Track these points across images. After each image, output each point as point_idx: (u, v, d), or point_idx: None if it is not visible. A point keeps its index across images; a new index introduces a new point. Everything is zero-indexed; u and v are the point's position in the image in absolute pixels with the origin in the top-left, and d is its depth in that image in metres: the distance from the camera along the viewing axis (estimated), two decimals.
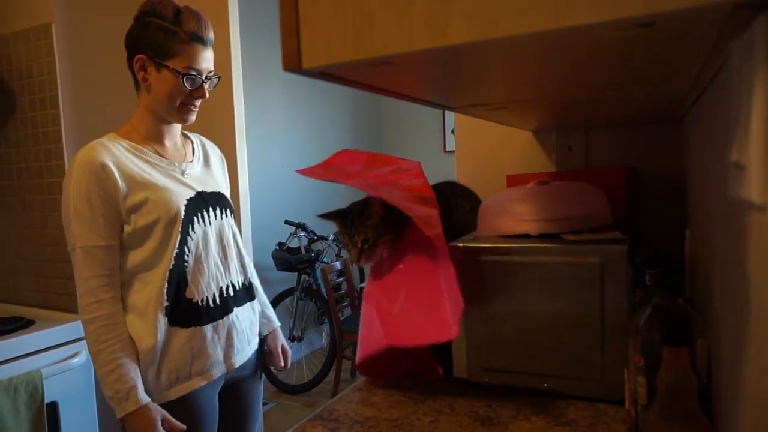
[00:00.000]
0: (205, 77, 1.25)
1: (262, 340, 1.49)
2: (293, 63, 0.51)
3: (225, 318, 1.28)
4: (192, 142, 1.40)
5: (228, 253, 1.32)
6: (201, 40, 1.21)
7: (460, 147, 1.55)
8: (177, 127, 1.34)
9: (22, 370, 1.66)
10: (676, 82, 0.64)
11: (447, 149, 4.77)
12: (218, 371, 1.27)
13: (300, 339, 3.83)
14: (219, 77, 1.31)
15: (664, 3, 0.35)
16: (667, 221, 1.28)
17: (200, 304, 1.23)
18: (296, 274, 3.66)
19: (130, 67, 1.24)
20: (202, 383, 1.23)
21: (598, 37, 0.42)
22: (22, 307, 2.08)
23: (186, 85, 1.21)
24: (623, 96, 0.74)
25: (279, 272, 3.65)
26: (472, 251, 0.99)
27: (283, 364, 1.51)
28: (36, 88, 1.96)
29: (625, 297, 0.88)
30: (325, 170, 1.06)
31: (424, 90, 0.66)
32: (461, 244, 1.00)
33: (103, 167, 1.14)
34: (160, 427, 1.14)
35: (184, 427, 1.18)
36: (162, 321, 1.18)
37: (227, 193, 1.39)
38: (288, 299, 3.67)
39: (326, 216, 1.12)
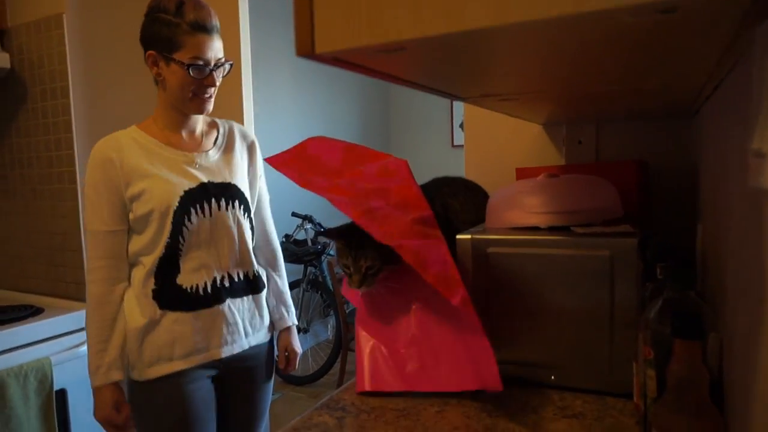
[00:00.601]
0: (215, 65, 1.26)
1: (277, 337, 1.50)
2: (306, 48, 0.51)
3: (215, 308, 1.29)
4: (219, 131, 1.41)
5: (228, 244, 1.32)
6: (204, 29, 1.23)
7: (470, 140, 1.54)
8: (197, 118, 1.36)
9: (32, 357, 1.68)
10: (694, 72, 0.63)
11: (455, 144, 4.75)
12: (201, 359, 1.28)
13: (306, 331, 3.85)
14: (231, 63, 1.32)
15: None
16: (678, 216, 1.27)
17: (189, 291, 1.27)
18: (302, 266, 3.68)
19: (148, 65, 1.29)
20: (183, 367, 1.26)
21: (617, 24, 0.42)
22: (31, 295, 2.10)
23: (193, 75, 1.23)
24: (638, 87, 0.73)
25: (285, 264, 3.66)
26: (480, 243, 0.98)
27: (283, 366, 1.51)
28: (47, 78, 1.97)
29: (635, 290, 0.88)
30: (298, 161, 1.03)
31: (437, 78, 0.66)
32: (469, 236, 0.99)
33: (110, 160, 1.24)
34: (113, 410, 1.25)
35: (123, 419, 1.26)
36: (151, 303, 1.25)
37: (244, 183, 1.38)
38: (294, 291, 3.68)
39: (328, 234, 1.08)
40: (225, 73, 1.32)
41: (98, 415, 1.25)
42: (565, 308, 0.93)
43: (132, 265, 1.29)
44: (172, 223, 1.24)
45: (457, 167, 1.47)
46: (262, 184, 1.48)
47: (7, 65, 2.00)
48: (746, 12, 0.36)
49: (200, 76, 1.24)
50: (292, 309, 1.53)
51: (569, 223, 0.98)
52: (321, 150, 1.05)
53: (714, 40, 0.47)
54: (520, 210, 1.03)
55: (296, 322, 1.54)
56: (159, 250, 1.25)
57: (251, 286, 1.39)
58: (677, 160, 1.29)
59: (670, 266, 0.73)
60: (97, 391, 1.24)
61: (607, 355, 0.91)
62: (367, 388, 0.98)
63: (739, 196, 0.58)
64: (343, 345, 3.35)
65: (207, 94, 1.29)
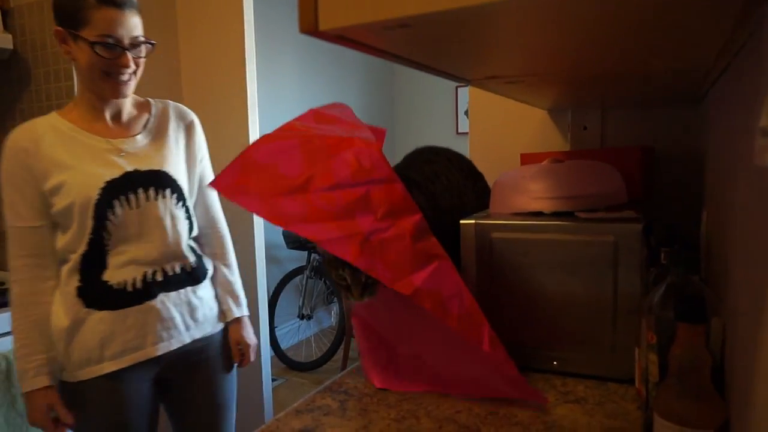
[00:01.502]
0: (129, 44, 1.15)
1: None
2: (310, 25, 0.50)
3: (145, 304, 1.20)
4: (150, 112, 1.30)
5: (160, 237, 1.22)
6: (113, 3, 1.11)
7: (474, 126, 1.53)
8: (122, 100, 1.24)
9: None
10: (701, 53, 0.62)
11: (459, 131, 4.73)
12: (134, 358, 1.19)
13: (309, 317, 3.86)
14: (153, 43, 1.20)
15: None
16: (683, 202, 1.27)
17: (116, 287, 1.17)
18: (306, 252, 3.68)
19: None
20: (114, 368, 1.18)
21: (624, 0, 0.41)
22: None
23: (101, 54, 1.12)
24: (644, 70, 0.72)
25: (289, 251, 3.66)
26: (483, 228, 0.98)
27: (238, 361, 1.40)
28: (50, 60, 1.96)
29: (639, 276, 0.88)
30: (252, 179, 0.86)
31: (442, 57, 0.65)
32: (473, 221, 0.99)
33: (25, 151, 1.15)
34: (45, 415, 1.15)
35: (71, 419, 1.17)
36: (76, 301, 1.17)
37: (178, 170, 1.27)
38: (298, 278, 3.69)
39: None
40: (144, 53, 1.20)
41: (30, 420, 1.17)
42: (568, 294, 0.92)
43: (59, 262, 1.19)
44: (94, 217, 1.15)
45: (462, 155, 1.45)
46: (206, 166, 1.37)
47: (10, 46, 1.99)
48: None
49: (110, 56, 1.13)
50: (243, 300, 1.42)
51: (573, 209, 0.98)
52: (273, 155, 0.88)
53: (723, 18, 0.46)
54: (524, 195, 1.03)
55: (247, 313, 1.42)
56: (82, 247, 1.16)
57: (190, 277, 1.28)
58: (682, 146, 1.28)
59: (674, 251, 0.72)
60: (27, 396, 1.16)
61: (609, 340, 0.91)
62: (379, 385, 0.95)
63: (744, 180, 0.57)
64: (346, 332, 3.36)
65: (122, 75, 1.17)
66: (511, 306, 0.97)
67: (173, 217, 1.24)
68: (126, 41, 1.14)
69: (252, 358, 1.42)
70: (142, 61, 1.20)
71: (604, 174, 1.04)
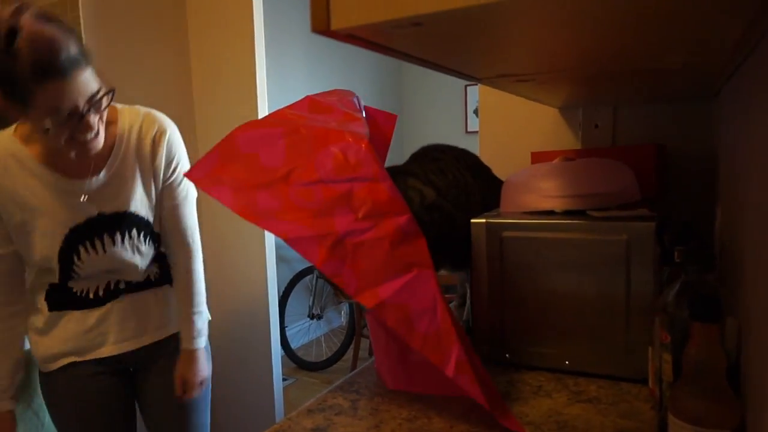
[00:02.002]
0: (85, 108, 0.99)
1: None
2: (322, 25, 0.51)
3: (107, 305, 1.21)
4: (116, 135, 1.16)
5: (127, 267, 1.21)
6: (51, 75, 0.92)
7: (484, 125, 1.53)
8: None
9: None
10: (716, 48, 0.61)
11: (469, 130, 4.72)
12: (94, 355, 1.22)
13: (319, 317, 3.87)
14: (110, 92, 1.04)
15: None
16: (697, 200, 1.25)
17: (78, 294, 1.19)
18: None
19: None
20: (74, 360, 1.21)
21: None
22: None
23: (59, 132, 1.00)
24: (659, 65, 0.72)
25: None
26: (494, 227, 0.98)
27: (180, 393, 1.30)
28: None
29: (652, 275, 0.87)
30: (230, 169, 0.82)
31: (453, 56, 0.65)
32: (484, 220, 0.99)
33: None
34: None
35: None
36: (44, 304, 1.19)
37: (144, 202, 1.20)
38: (308, 277, 3.70)
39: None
40: (107, 104, 1.05)
41: None
42: (581, 293, 0.92)
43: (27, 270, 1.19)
44: (59, 263, 1.14)
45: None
46: (178, 175, 1.25)
47: None
48: None
49: (70, 128, 1.00)
50: (199, 329, 1.30)
51: (585, 207, 0.97)
52: (256, 144, 0.83)
53: (740, 11, 0.45)
54: (536, 194, 1.02)
55: (198, 347, 1.30)
56: (50, 280, 1.17)
57: (154, 283, 1.28)
58: (696, 143, 1.27)
59: (688, 249, 0.72)
60: None
61: (622, 340, 0.90)
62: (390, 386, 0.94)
63: (758, 177, 0.57)
64: (356, 331, 3.37)
65: (88, 135, 1.04)
66: (523, 305, 0.97)
67: (141, 254, 1.23)
68: (81, 107, 0.99)
69: (194, 394, 1.30)
70: (103, 112, 1.07)
71: (617, 172, 1.03)
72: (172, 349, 1.32)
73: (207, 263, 1.44)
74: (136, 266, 1.23)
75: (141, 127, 1.20)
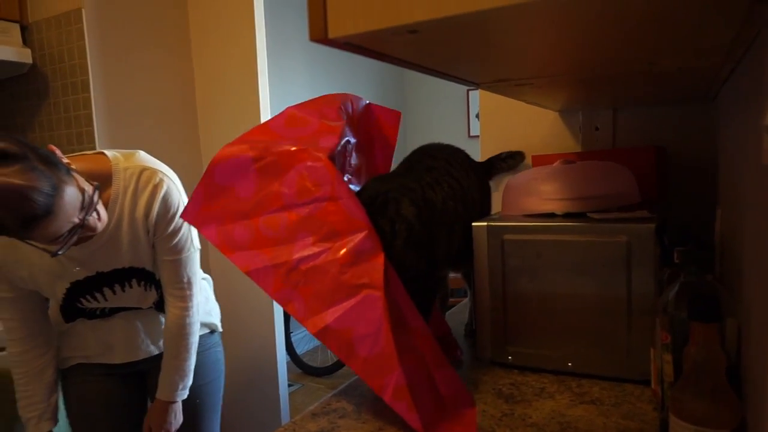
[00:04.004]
0: (80, 219, 1.00)
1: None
2: (320, 33, 0.52)
3: (113, 318, 1.28)
4: (110, 197, 1.13)
5: (129, 305, 1.28)
6: (37, 219, 0.92)
7: (485, 129, 1.53)
8: None
9: None
10: (709, 51, 0.62)
11: (471, 134, 4.73)
12: (97, 359, 1.30)
13: None
14: (95, 188, 1.03)
15: None
16: (697, 202, 1.26)
17: (88, 310, 1.26)
18: None
19: None
20: (80, 361, 1.30)
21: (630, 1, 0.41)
22: None
23: (67, 244, 1.01)
24: (654, 69, 0.72)
25: None
26: (495, 230, 0.98)
27: None
28: (68, 72, 2.00)
29: (653, 276, 0.87)
30: (214, 205, 0.85)
31: (451, 62, 0.66)
32: (485, 223, 0.99)
33: None
34: None
35: None
36: (57, 315, 1.27)
37: (144, 255, 1.20)
38: None
39: None
40: (96, 201, 1.04)
41: None
42: (582, 295, 0.92)
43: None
44: (62, 311, 1.24)
45: (473, 158, 1.45)
46: (173, 230, 1.20)
47: (29, 61, 2.04)
48: None
49: (73, 235, 1.01)
50: (183, 383, 1.27)
51: (585, 210, 0.98)
52: (231, 176, 0.86)
53: (726, 16, 0.46)
54: (536, 197, 1.03)
55: (174, 399, 1.26)
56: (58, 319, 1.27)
57: (160, 308, 1.31)
58: (695, 145, 1.27)
59: (687, 250, 0.72)
60: None
61: (624, 341, 0.90)
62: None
63: (752, 179, 0.57)
64: None
65: (88, 233, 1.06)
66: (525, 308, 0.97)
67: (143, 297, 1.27)
68: (77, 220, 1.00)
69: None
70: (101, 214, 1.07)
71: (616, 174, 1.04)
72: None
73: (212, 271, 1.45)
74: (139, 307, 1.29)
75: (136, 188, 1.16)
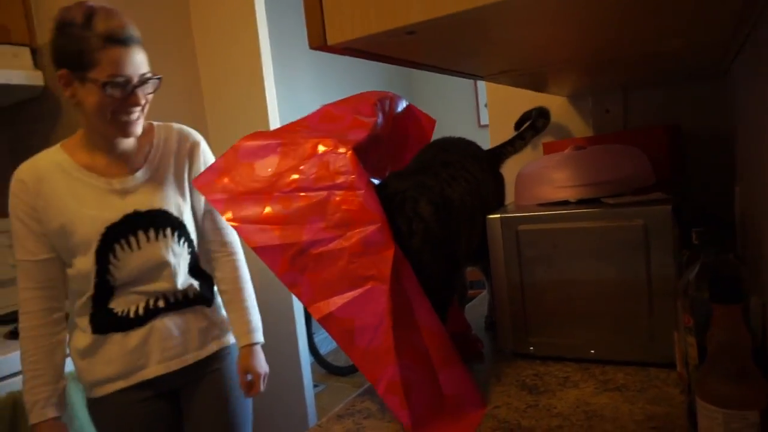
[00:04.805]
0: (138, 81, 1.14)
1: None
2: (318, 40, 0.52)
3: (147, 325, 1.24)
4: (152, 143, 1.29)
5: (163, 273, 1.24)
6: (119, 41, 1.10)
7: (494, 119, 1.53)
8: (127, 139, 1.24)
9: None
10: (716, 28, 0.61)
11: (481, 123, 4.70)
12: (141, 377, 1.24)
13: None
14: (159, 78, 1.19)
15: None
16: (715, 179, 1.23)
17: (121, 314, 1.22)
18: None
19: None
20: (124, 386, 1.23)
21: None
22: None
23: (111, 94, 1.11)
24: (661, 50, 0.71)
25: None
26: (509, 222, 0.98)
27: (246, 390, 1.37)
28: None
29: (672, 258, 0.86)
30: (229, 178, 0.88)
31: (451, 58, 0.66)
32: (498, 215, 0.99)
33: (27, 189, 1.17)
34: None
35: None
36: (88, 327, 1.22)
37: (179, 204, 1.27)
38: None
39: None
40: (153, 89, 1.19)
41: None
42: (601, 281, 0.91)
43: (73, 293, 1.23)
44: (96, 262, 1.18)
45: (485, 147, 1.44)
46: None
47: (41, 83, 2.07)
48: None
49: (120, 95, 1.12)
50: (255, 325, 1.39)
51: (599, 195, 0.97)
52: (254, 154, 0.89)
53: None
54: (549, 185, 1.02)
55: (259, 340, 1.39)
56: (90, 290, 1.20)
57: (194, 301, 1.31)
58: (710, 121, 1.25)
59: (705, 230, 0.71)
60: (35, 428, 1.18)
61: (647, 325, 0.89)
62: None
63: None
64: None
65: (132, 114, 1.16)
66: (543, 297, 0.97)
67: (175, 255, 1.26)
68: (135, 79, 1.14)
69: (262, 387, 1.38)
70: (150, 97, 1.20)
71: (629, 156, 1.03)
72: (214, 368, 1.35)
73: None
74: (169, 267, 1.25)
75: (178, 138, 1.32)
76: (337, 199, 0.82)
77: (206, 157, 1.35)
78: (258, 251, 0.82)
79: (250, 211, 0.84)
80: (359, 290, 0.80)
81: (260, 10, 2.13)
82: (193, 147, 1.32)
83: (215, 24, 2.24)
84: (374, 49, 0.55)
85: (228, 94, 2.26)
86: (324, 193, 0.83)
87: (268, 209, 0.84)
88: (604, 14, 0.49)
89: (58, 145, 1.24)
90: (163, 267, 1.24)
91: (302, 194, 0.84)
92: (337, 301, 0.80)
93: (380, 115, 1.00)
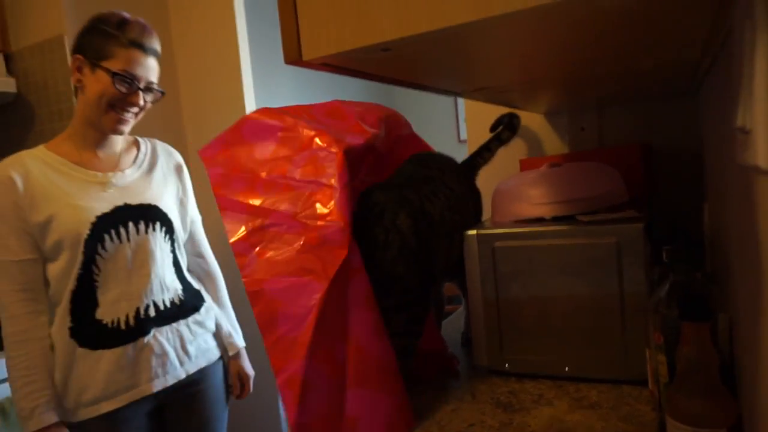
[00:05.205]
0: (144, 86, 1.21)
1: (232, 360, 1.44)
2: (294, 56, 0.52)
3: (139, 340, 1.19)
4: (140, 150, 1.34)
5: (151, 270, 1.22)
6: (141, 47, 1.19)
7: (472, 135, 1.54)
8: (115, 137, 1.27)
9: None
10: (685, 49, 0.62)
11: (461, 138, 4.74)
12: (130, 396, 1.19)
13: None
14: (162, 92, 1.26)
15: None
16: (686, 197, 1.26)
17: (110, 326, 1.17)
18: None
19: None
20: (111, 408, 1.17)
21: (598, 7, 0.42)
22: None
23: (118, 86, 1.16)
24: (634, 68, 0.73)
25: None
26: (486, 238, 0.98)
27: (238, 393, 1.43)
28: (53, 99, 2.00)
29: (644, 275, 0.87)
30: (230, 154, 0.92)
31: (427, 75, 0.66)
32: (475, 231, 0.99)
33: (12, 184, 1.13)
34: None
35: None
36: (70, 342, 1.15)
37: (169, 205, 1.30)
38: None
39: None
40: (154, 99, 1.26)
41: None
42: (576, 297, 0.92)
43: (50, 305, 1.17)
44: (84, 252, 1.14)
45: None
46: (193, 205, 1.41)
47: (14, 89, 2.03)
48: None
49: (125, 90, 1.18)
50: (239, 331, 1.46)
51: (574, 212, 0.98)
52: (257, 134, 0.93)
53: (697, 16, 0.46)
54: (525, 202, 1.03)
55: (243, 344, 1.45)
56: (71, 283, 1.14)
57: (181, 310, 1.28)
58: (682, 139, 1.28)
59: (675, 249, 0.72)
60: None
61: (620, 342, 0.90)
62: None
63: (733, 172, 0.57)
64: None
65: (127, 113, 1.21)
66: (519, 314, 0.97)
67: (162, 251, 1.25)
68: (143, 82, 1.20)
69: (251, 389, 1.45)
70: (148, 105, 1.24)
71: (603, 174, 1.04)
72: (201, 387, 1.33)
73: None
74: (156, 266, 1.23)
75: (165, 150, 1.39)
76: (315, 193, 0.85)
77: (188, 176, 1.42)
78: (224, 215, 0.86)
79: (237, 186, 0.89)
80: (297, 279, 0.81)
81: (240, 23, 2.13)
82: (180, 166, 1.40)
83: (195, 37, 2.23)
84: (350, 65, 0.55)
85: (208, 108, 2.25)
86: (305, 185, 0.86)
87: (253, 188, 0.88)
88: (576, 34, 0.49)
89: (41, 146, 1.23)
90: (150, 262, 1.22)
91: (286, 183, 0.87)
92: (275, 282, 0.81)
93: (383, 131, 1.01)
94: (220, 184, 0.91)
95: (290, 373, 0.77)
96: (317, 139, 0.88)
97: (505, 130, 1.24)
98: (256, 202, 0.88)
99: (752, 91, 0.33)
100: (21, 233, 1.13)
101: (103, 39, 1.16)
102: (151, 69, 1.21)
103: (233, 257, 0.86)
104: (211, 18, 2.16)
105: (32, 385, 1.12)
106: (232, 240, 0.85)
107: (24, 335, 1.13)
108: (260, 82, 3.49)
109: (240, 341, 1.44)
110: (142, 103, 1.21)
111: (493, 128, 1.28)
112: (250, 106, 2.18)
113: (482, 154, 1.21)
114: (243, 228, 0.86)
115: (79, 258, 1.14)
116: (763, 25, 0.32)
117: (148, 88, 1.22)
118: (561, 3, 0.39)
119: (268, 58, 3.72)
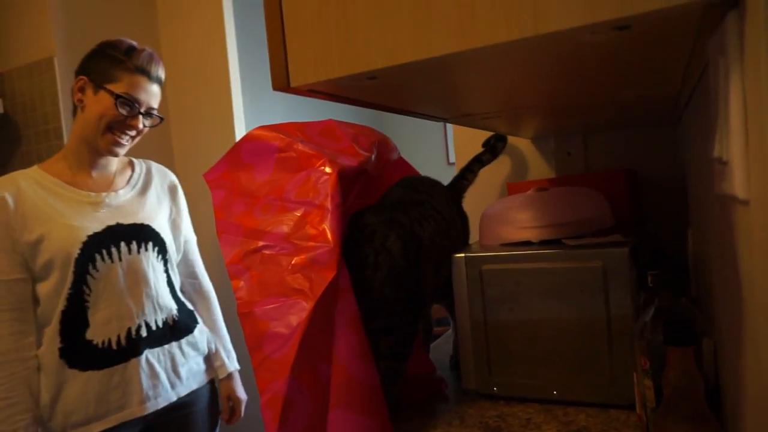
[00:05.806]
0: (145, 111, 1.23)
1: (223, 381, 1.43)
2: (282, 83, 0.53)
3: (131, 361, 1.18)
4: (134, 170, 1.35)
5: (143, 290, 1.21)
6: (147, 73, 1.22)
7: (460, 158, 1.55)
8: (111, 159, 1.28)
9: None
10: (665, 82, 0.64)
11: (450, 161, 4.78)
12: (120, 418, 1.17)
13: None
14: (162, 118, 1.29)
15: (637, 5, 0.36)
16: (670, 222, 1.28)
17: (100, 346, 1.16)
18: None
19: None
20: (100, 429, 1.16)
21: (579, 42, 0.43)
22: None
23: (119, 109, 1.18)
24: (615, 99, 0.74)
25: None
26: (473, 261, 0.98)
27: (227, 418, 1.42)
28: (40, 120, 1.99)
29: (630, 299, 0.88)
30: (232, 176, 0.94)
31: (413, 102, 0.67)
32: (463, 254, 0.99)
33: (2, 199, 1.12)
34: None
35: None
36: (59, 363, 1.14)
37: (162, 225, 1.30)
38: None
39: None
40: (152, 124, 1.28)
41: None
42: (563, 321, 0.92)
43: (38, 326, 1.15)
44: (74, 272, 1.13)
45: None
46: (187, 225, 1.43)
47: (0, 110, 2.03)
48: (698, 26, 0.37)
49: (126, 113, 1.19)
50: (232, 353, 1.45)
51: (560, 236, 0.99)
52: (255, 155, 0.95)
53: (675, 52, 0.48)
54: (512, 225, 1.04)
55: (237, 367, 1.45)
56: (61, 303, 1.13)
57: (174, 332, 1.28)
58: (666, 166, 1.30)
59: (660, 274, 0.73)
60: None
61: (607, 366, 0.90)
62: None
63: (712, 201, 0.59)
64: None
65: (125, 135, 1.22)
66: (507, 337, 0.97)
67: (155, 271, 1.25)
68: (144, 107, 1.22)
69: (241, 414, 1.43)
70: (146, 130, 1.26)
71: (589, 199, 1.06)
72: (191, 409, 1.31)
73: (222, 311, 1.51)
74: (149, 286, 1.22)
75: (159, 171, 1.40)
76: (308, 214, 0.87)
77: (183, 198, 1.43)
78: (221, 238, 0.88)
79: (237, 209, 0.92)
80: (286, 299, 0.81)
81: (231, 45, 2.15)
82: (174, 187, 1.41)
83: (185, 59, 2.25)
84: (337, 92, 0.56)
85: (197, 130, 2.25)
86: (299, 207, 0.88)
87: (250, 211, 0.91)
88: (558, 67, 0.51)
89: (34, 167, 1.23)
90: (142, 282, 1.22)
91: (282, 204, 0.89)
92: (265, 303, 0.82)
93: (375, 154, 1.02)
94: (221, 207, 0.93)
95: (273, 393, 0.77)
96: (313, 160, 0.90)
97: (486, 152, 1.26)
98: (253, 224, 0.89)
99: (728, 124, 0.34)
100: (11, 252, 1.12)
101: (110, 63, 1.19)
102: (153, 95, 1.24)
103: (229, 280, 0.88)
104: (202, 40, 2.18)
105: (13, 408, 1.10)
106: (227, 262, 0.87)
107: (8, 356, 1.11)
108: (250, 104, 3.51)
109: (232, 364, 1.43)
110: (141, 126, 1.23)
111: (484, 145, 1.29)
112: (240, 128, 2.19)
113: (466, 176, 1.23)
114: (238, 251, 0.88)
115: (70, 278, 1.14)
116: (736, 60, 0.33)
117: (148, 113, 1.24)
118: (542, 36, 0.40)
119: (258, 79, 3.74)
